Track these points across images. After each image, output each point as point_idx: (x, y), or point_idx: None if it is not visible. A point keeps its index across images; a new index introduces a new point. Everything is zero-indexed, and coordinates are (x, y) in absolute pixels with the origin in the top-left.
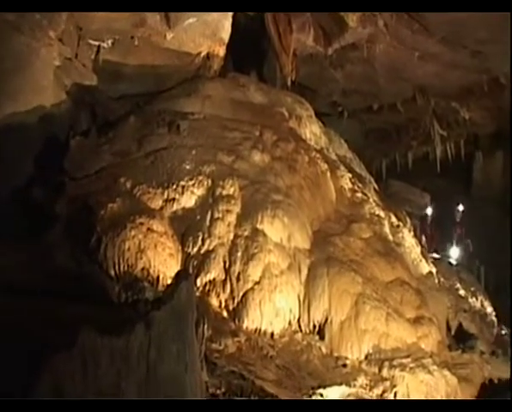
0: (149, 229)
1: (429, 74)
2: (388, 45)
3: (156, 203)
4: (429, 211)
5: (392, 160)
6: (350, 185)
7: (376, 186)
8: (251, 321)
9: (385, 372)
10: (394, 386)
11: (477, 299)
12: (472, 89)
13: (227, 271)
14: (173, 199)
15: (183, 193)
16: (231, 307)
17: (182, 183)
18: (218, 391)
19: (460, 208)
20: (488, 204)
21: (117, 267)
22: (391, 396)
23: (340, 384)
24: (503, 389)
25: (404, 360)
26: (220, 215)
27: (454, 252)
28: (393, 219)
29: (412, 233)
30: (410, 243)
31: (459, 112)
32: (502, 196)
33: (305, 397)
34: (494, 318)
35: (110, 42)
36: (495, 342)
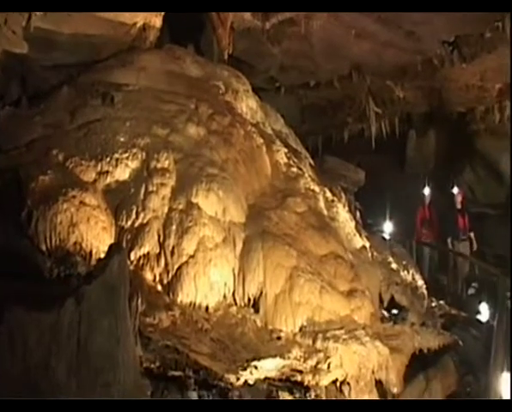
0: (81, 202)
1: (365, 52)
2: (325, 21)
3: (89, 176)
4: (426, 191)
5: (328, 137)
6: (285, 160)
7: (312, 161)
8: (185, 295)
9: (319, 344)
10: (328, 357)
11: (408, 272)
12: (407, 69)
13: (161, 245)
14: (107, 172)
15: (117, 166)
16: (165, 281)
17: (116, 155)
18: (153, 366)
19: (455, 190)
20: (420, 181)
21: (48, 241)
22: (324, 367)
23: (275, 356)
24: (432, 358)
25: (337, 332)
26: (154, 189)
27: (387, 227)
28: (328, 194)
29: (347, 207)
30: (344, 218)
31: (393, 90)
32: (434, 173)
33: (239, 370)
34: (424, 291)
35: None
36: (425, 313)
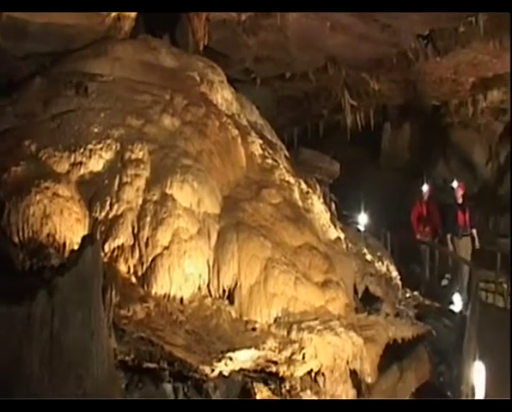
0: (54, 194)
1: (341, 45)
2: (301, 14)
3: (63, 167)
4: (424, 188)
5: (303, 128)
6: (260, 151)
7: (287, 153)
8: (160, 287)
9: (293, 335)
10: (303, 348)
11: (383, 263)
12: (382, 61)
13: (135, 236)
14: (81, 163)
15: (90, 157)
16: (140, 273)
17: (90, 146)
18: (127, 358)
19: (454, 184)
20: (395, 173)
21: (21, 233)
22: (299, 358)
23: (249, 347)
24: (406, 348)
25: (312, 323)
26: (128, 180)
27: (362, 219)
28: (303, 185)
29: (322, 199)
30: (319, 209)
31: (368, 82)
32: (409, 166)
33: (214, 361)
34: (399, 282)
35: None
36: (399, 304)
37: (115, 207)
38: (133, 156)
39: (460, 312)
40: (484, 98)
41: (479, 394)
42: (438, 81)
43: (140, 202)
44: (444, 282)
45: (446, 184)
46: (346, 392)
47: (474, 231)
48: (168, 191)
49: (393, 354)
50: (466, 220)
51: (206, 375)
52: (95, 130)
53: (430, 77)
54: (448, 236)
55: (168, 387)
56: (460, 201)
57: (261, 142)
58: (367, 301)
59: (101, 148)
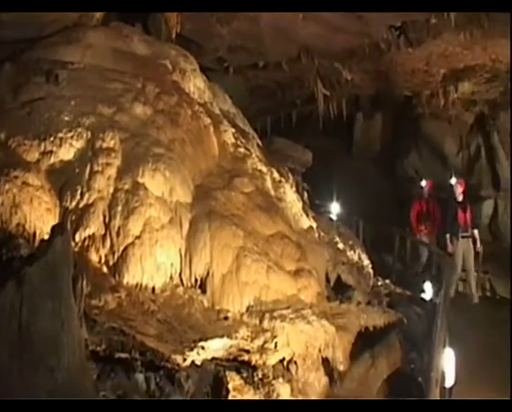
0: (24, 183)
1: (314, 35)
2: None
3: (32, 156)
4: (423, 184)
5: (276, 118)
6: (233, 140)
7: (260, 142)
8: (131, 276)
9: (266, 324)
10: (275, 337)
11: (354, 252)
12: (354, 52)
13: (106, 226)
14: (51, 152)
15: (61, 145)
16: (111, 263)
17: (60, 135)
18: (98, 348)
19: (453, 181)
20: (367, 163)
21: None
22: (271, 346)
23: (222, 336)
24: (378, 336)
25: (284, 312)
26: (100, 169)
27: (334, 208)
28: (276, 174)
29: (294, 188)
30: (291, 198)
31: (341, 73)
32: (380, 156)
33: (186, 350)
34: (370, 270)
35: None
36: (370, 292)
37: (86, 196)
38: (104, 145)
39: (431, 300)
40: (456, 89)
41: (449, 380)
42: (410, 72)
43: (111, 191)
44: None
45: (417, 177)
46: (319, 380)
47: (476, 231)
48: (140, 180)
49: (364, 342)
50: (467, 219)
51: (178, 364)
52: (66, 118)
53: (402, 68)
54: (447, 236)
55: (140, 377)
56: (460, 198)
57: (234, 130)
58: (339, 290)
59: (72, 137)
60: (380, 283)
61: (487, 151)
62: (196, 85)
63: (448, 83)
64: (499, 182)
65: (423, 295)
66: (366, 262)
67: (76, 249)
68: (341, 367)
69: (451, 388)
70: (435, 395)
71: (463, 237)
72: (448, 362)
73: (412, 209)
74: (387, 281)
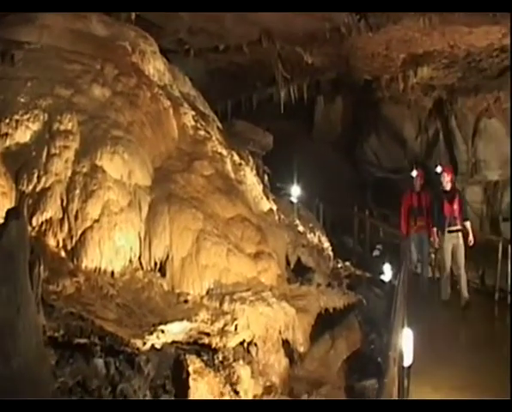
0: None
1: (275, 18)
2: None
3: None
4: (414, 174)
5: (237, 101)
6: (192, 123)
7: (220, 125)
8: (90, 260)
9: (226, 306)
10: (235, 319)
11: (314, 234)
12: (315, 36)
13: (64, 210)
14: (6, 134)
15: (17, 128)
16: (69, 247)
17: (16, 117)
18: (57, 334)
19: (438, 169)
20: (327, 146)
21: None
22: (232, 329)
23: (182, 319)
24: (337, 317)
25: (244, 294)
26: (57, 151)
27: (295, 191)
28: (236, 157)
29: (255, 171)
30: (251, 181)
31: (302, 56)
32: (341, 139)
33: (146, 334)
34: (330, 253)
35: None
36: (330, 274)
37: (43, 179)
38: (62, 127)
39: (390, 281)
40: (415, 74)
41: (407, 359)
42: (370, 57)
43: (69, 174)
44: (375, 253)
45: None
46: (279, 361)
47: (468, 224)
48: (98, 163)
49: (324, 323)
50: (455, 211)
51: (138, 348)
52: (22, 100)
53: (362, 52)
54: (434, 230)
55: (100, 362)
56: (447, 188)
57: (194, 113)
58: (299, 272)
59: (28, 119)
60: (340, 265)
61: (445, 135)
62: (156, 67)
63: (408, 68)
64: (457, 166)
65: (382, 277)
66: (326, 244)
67: (33, 234)
68: (301, 349)
69: (409, 367)
70: (392, 374)
71: (451, 231)
72: (406, 342)
73: (402, 204)
74: (347, 263)
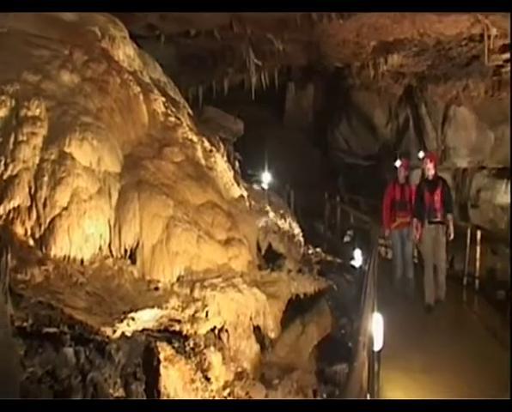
0: None
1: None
2: None
3: None
4: (398, 164)
5: (208, 87)
6: (163, 109)
7: (191, 111)
8: (59, 248)
9: (196, 293)
10: (206, 306)
11: (285, 220)
12: (286, 22)
13: (32, 197)
14: None
15: None
16: (38, 235)
17: None
18: (25, 324)
19: (421, 154)
20: (298, 133)
21: None
22: (202, 316)
23: (152, 307)
24: (308, 303)
25: (215, 281)
26: (25, 138)
27: (266, 177)
28: (206, 144)
29: (225, 157)
30: (222, 167)
31: (273, 43)
32: (312, 126)
33: (116, 322)
34: (301, 239)
35: None
36: (301, 260)
37: (10, 167)
38: (29, 113)
39: (361, 266)
40: (385, 61)
41: (378, 343)
42: (341, 44)
43: (37, 161)
44: (346, 239)
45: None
46: (250, 347)
47: (450, 216)
48: (67, 150)
49: (295, 309)
50: (435, 201)
51: (108, 337)
52: None
53: (334, 39)
54: (414, 221)
55: (69, 351)
56: (430, 176)
57: (164, 99)
58: (270, 258)
59: None
60: (310, 251)
61: (415, 122)
62: (125, 53)
63: (378, 55)
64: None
65: (352, 263)
66: (297, 230)
67: (0, 222)
68: (272, 335)
69: (379, 351)
70: (362, 358)
71: (431, 222)
72: (376, 327)
73: (385, 197)
74: (318, 249)
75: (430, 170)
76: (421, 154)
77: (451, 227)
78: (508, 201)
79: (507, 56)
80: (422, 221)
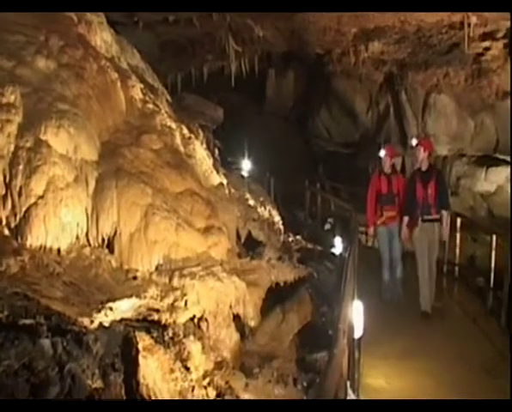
0: None
1: None
2: None
3: None
4: (382, 154)
5: (187, 74)
6: (141, 96)
7: (169, 98)
8: (35, 238)
9: (175, 282)
10: (185, 295)
11: (265, 208)
12: None
13: (7, 186)
14: None
15: None
16: (13, 225)
17: None
18: (1, 315)
19: (413, 141)
20: (279, 120)
21: None
22: (182, 305)
23: (130, 296)
24: (288, 291)
25: (194, 269)
26: None
27: (246, 165)
28: (185, 131)
29: (205, 145)
30: (201, 155)
31: (253, 29)
32: (292, 113)
33: (94, 312)
34: (281, 226)
35: None
36: (281, 248)
37: None
38: (4, 100)
39: (341, 254)
40: (366, 48)
41: (358, 331)
42: (322, 31)
43: (12, 149)
44: (327, 226)
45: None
46: (230, 336)
47: (445, 213)
48: (43, 137)
49: (275, 297)
50: (429, 195)
51: (86, 327)
52: None
53: (314, 26)
54: (405, 219)
55: (46, 342)
56: (422, 167)
57: (142, 86)
58: (250, 246)
59: None
60: (291, 239)
61: (396, 110)
62: (103, 38)
63: (359, 42)
64: (406, 140)
65: (333, 250)
66: (277, 218)
67: None
68: (252, 323)
69: (359, 339)
70: (342, 346)
71: (425, 220)
72: (356, 314)
73: (370, 190)
74: (298, 236)
75: (424, 160)
76: (414, 142)
77: (446, 227)
78: (488, 188)
79: (486, 44)
80: (413, 218)
